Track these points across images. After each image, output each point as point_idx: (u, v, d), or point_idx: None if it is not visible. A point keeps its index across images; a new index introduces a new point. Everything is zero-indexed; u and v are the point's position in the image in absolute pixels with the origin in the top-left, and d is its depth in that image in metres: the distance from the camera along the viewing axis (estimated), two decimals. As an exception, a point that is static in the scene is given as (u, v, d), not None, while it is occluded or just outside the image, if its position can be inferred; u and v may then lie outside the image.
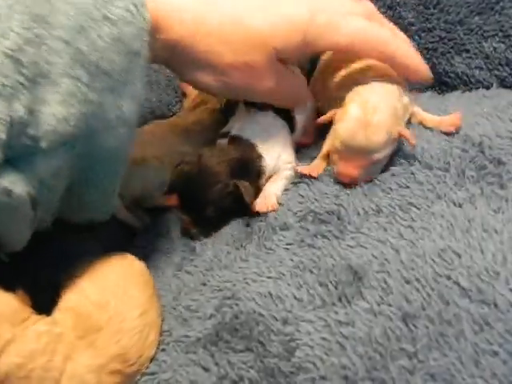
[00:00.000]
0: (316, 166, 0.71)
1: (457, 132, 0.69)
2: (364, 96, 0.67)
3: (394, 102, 0.67)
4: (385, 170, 0.68)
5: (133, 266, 0.63)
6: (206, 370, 0.53)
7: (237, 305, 0.57)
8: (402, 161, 0.68)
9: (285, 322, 0.54)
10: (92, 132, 0.55)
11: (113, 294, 0.58)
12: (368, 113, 0.64)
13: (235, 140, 0.73)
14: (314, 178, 0.70)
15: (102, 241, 0.75)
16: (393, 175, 0.67)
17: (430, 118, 0.74)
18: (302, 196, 0.70)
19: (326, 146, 0.71)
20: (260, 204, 0.69)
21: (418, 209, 0.61)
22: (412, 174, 0.66)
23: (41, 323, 0.55)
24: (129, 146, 0.61)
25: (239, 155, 0.71)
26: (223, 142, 0.74)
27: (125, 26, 0.54)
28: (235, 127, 0.75)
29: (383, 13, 0.89)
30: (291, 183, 0.73)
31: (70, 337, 0.55)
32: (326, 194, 0.68)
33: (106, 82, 0.54)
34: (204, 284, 0.64)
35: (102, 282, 0.60)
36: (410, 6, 0.93)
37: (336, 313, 0.53)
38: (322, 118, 0.69)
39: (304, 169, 0.71)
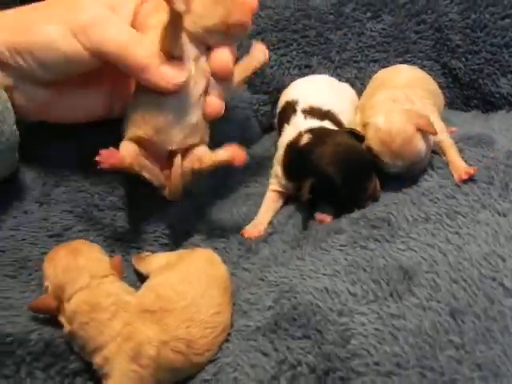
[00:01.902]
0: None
1: (502, 149, 0.74)
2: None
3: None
4: (432, 182, 0.73)
5: (219, 269, 0.67)
6: (265, 355, 0.57)
7: (295, 297, 0.61)
8: (450, 175, 0.74)
9: (340, 313, 0.58)
10: None
11: (194, 287, 0.62)
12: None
13: None
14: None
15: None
16: (440, 187, 0.72)
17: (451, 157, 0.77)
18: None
19: None
20: (320, 217, 0.77)
21: (464, 217, 0.66)
22: (458, 186, 0.71)
23: (115, 286, 0.62)
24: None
25: None
26: None
27: None
28: None
29: (431, 35, 0.95)
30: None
31: (139, 310, 0.60)
32: (376, 203, 0.74)
33: None
34: (262, 279, 0.68)
35: (188, 274, 0.64)
36: (457, 29, 0.98)
37: (388, 306, 0.57)
38: None
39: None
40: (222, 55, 0.66)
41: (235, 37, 0.67)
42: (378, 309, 0.57)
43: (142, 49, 0.63)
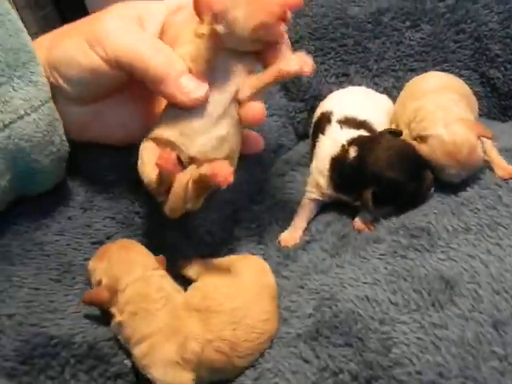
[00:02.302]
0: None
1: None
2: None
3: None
4: (472, 192, 0.74)
5: (269, 277, 0.68)
6: (306, 361, 0.58)
7: (336, 305, 0.62)
8: (490, 185, 0.74)
9: (382, 322, 0.58)
10: (5, 124, 0.62)
11: (244, 292, 0.64)
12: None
13: None
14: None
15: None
16: (480, 197, 0.72)
17: (494, 157, 0.79)
18: (391, 214, 0.76)
19: None
20: (358, 225, 0.77)
21: (506, 228, 0.66)
22: (499, 197, 0.72)
23: (165, 280, 0.64)
24: (48, 133, 0.65)
25: None
26: None
27: None
28: None
29: (470, 44, 0.95)
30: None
31: (186, 308, 0.62)
32: (414, 213, 0.74)
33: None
34: (301, 287, 0.69)
35: (238, 279, 0.66)
36: (496, 39, 0.98)
37: (430, 316, 0.57)
38: None
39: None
40: (255, 107, 0.62)
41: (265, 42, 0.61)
42: (420, 318, 0.58)
43: (160, 59, 0.60)
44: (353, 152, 0.78)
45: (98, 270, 0.64)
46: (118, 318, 0.62)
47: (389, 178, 0.74)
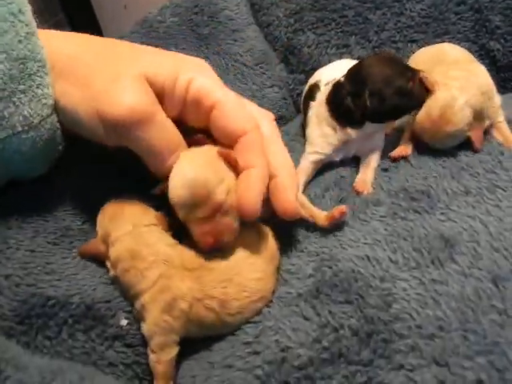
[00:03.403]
0: (402, 150, 0.79)
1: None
2: None
3: None
4: (473, 158, 0.74)
5: (268, 240, 0.66)
6: (307, 319, 0.58)
7: (336, 265, 0.62)
8: (491, 151, 0.74)
9: (382, 279, 0.58)
10: (0, 140, 0.57)
11: (238, 251, 0.63)
12: None
13: None
14: (407, 156, 0.77)
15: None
16: (481, 162, 0.72)
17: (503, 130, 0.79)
18: (391, 178, 0.76)
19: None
20: (360, 185, 0.76)
21: (505, 191, 0.66)
22: (499, 162, 0.71)
23: (156, 236, 0.64)
24: (46, 146, 0.62)
25: None
26: None
27: (2, 36, 0.55)
28: None
29: (470, 16, 0.95)
30: (381, 170, 0.79)
31: (177, 265, 0.61)
32: (414, 176, 0.74)
33: (0, 93, 0.56)
34: (301, 251, 0.69)
35: (235, 240, 0.64)
36: (497, 10, 0.97)
37: (430, 273, 0.57)
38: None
39: (393, 154, 0.79)
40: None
41: None
42: (420, 275, 0.57)
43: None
44: (341, 78, 0.78)
45: (97, 223, 0.66)
46: (111, 272, 0.63)
47: (377, 73, 0.74)
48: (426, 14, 1.00)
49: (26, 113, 0.58)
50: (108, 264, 0.63)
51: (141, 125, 0.57)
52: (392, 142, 0.82)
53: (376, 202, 0.71)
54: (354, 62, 0.88)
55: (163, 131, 0.59)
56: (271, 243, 0.66)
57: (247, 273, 0.62)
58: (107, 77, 0.58)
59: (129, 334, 0.63)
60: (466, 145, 0.76)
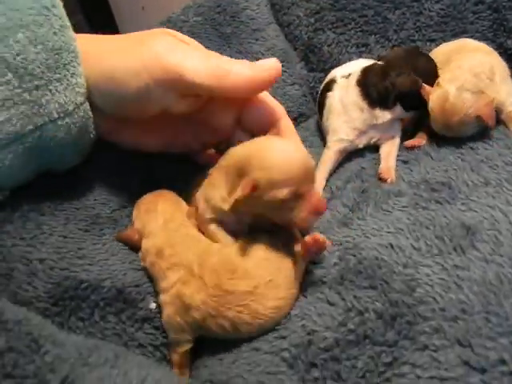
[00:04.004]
0: (417, 140, 0.83)
1: None
2: None
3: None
4: (492, 151, 0.76)
5: (296, 261, 0.64)
6: (332, 304, 0.60)
7: (360, 254, 0.63)
8: (510, 145, 0.76)
9: (405, 266, 0.60)
10: (37, 126, 0.60)
11: (262, 272, 0.61)
12: None
13: None
14: (421, 145, 0.81)
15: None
16: (499, 155, 0.75)
17: None
18: (412, 170, 0.78)
19: None
20: (385, 172, 0.79)
21: (524, 182, 0.68)
22: (517, 154, 0.73)
23: (181, 238, 0.66)
24: (79, 133, 0.64)
25: None
26: None
27: (38, 28, 0.58)
28: None
29: (488, 15, 0.96)
30: (401, 162, 0.81)
31: (196, 275, 0.62)
32: (435, 168, 0.76)
33: (36, 81, 0.58)
34: (325, 241, 0.70)
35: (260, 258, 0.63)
36: (515, 10, 0.99)
37: (452, 259, 0.59)
38: None
39: (406, 143, 0.83)
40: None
41: None
42: (443, 261, 0.59)
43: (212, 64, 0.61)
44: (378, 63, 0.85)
45: (134, 215, 0.69)
46: (142, 263, 0.66)
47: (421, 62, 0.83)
48: (445, 14, 1.02)
49: (61, 100, 0.60)
50: (140, 254, 0.66)
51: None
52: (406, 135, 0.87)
53: (398, 192, 0.73)
54: (367, 61, 0.91)
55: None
56: (299, 265, 0.63)
57: (266, 301, 0.60)
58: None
59: (157, 317, 0.65)
60: (484, 138, 0.79)
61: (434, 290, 0.56)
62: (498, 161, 0.73)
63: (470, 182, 0.70)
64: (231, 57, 0.63)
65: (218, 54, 0.63)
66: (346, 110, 0.85)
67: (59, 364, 0.48)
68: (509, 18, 0.98)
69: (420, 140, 0.83)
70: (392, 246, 0.63)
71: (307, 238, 0.60)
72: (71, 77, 0.61)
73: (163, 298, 0.63)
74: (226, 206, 0.60)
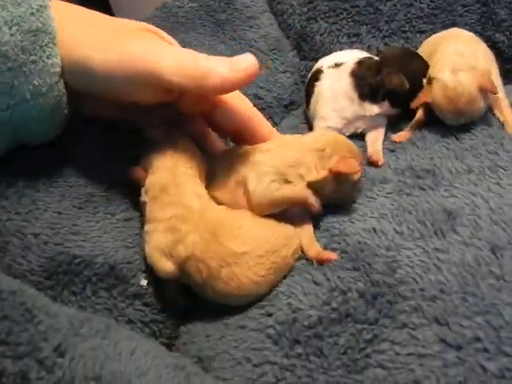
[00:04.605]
0: (402, 136, 0.85)
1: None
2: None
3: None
4: (476, 140, 0.78)
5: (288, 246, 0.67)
6: (317, 284, 0.62)
7: (344, 240, 0.66)
8: (494, 135, 0.78)
9: (387, 248, 0.62)
10: (8, 106, 0.58)
11: (256, 243, 0.64)
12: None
13: None
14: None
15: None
16: (484, 144, 0.77)
17: (507, 114, 0.83)
18: (398, 158, 0.80)
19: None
20: (375, 155, 0.82)
21: (505, 170, 0.70)
22: (501, 144, 0.76)
23: (187, 180, 0.67)
24: (52, 111, 0.63)
25: None
26: None
27: (15, 8, 0.56)
28: None
29: (477, 9, 0.98)
30: (388, 150, 0.83)
31: (195, 218, 0.64)
32: (420, 156, 0.78)
33: (10, 63, 0.56)
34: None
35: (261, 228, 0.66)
36: (503, 4, 1.01)
37: (433, 243, 0.61)
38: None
39: (394, 138, 0.85)
40: None
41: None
42: (424, 244, 0.61)
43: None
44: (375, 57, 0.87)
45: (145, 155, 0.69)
46: (142, 197, 0.67)
47: (414, 63, 0.85)
48: (435, 6, 1.04)
49: (35, 82, 0.58)
50: (142, 189, 0.67)
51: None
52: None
53: (383, 179, 0.75)
54: (351, 52, 0.93)
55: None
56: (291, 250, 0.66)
57: (247, 271, 0.62)
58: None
59: (148, 293, 0.67)
60: (469, 129, 0.81)
61: (414, 271, 0.58)
62: (482, 149, 0.75)
63: (453, 169, 0.72)
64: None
65: (195, 52, 0.62)
66: (336, 99, 0.86)
67: (52, 333, 0.49)
68: (497, 12, 1.00)
69: (406, 135, 0.84)
70: (375, 230, 0.65)
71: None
72: (47, 58, 0.58)
73: (153, 226, 0.64)
74: (316, 177, 0.67)
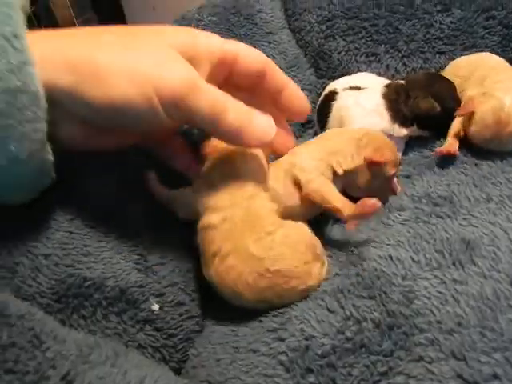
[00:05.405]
0: (452, 145, 0.82)
1: None
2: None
3: None
4: (495, 168, 0.77)
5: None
6: (331, 312, 0.61)
7: (360, 264, 0.65)
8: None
9: (404, 277, 0.61)
10: None
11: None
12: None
13: None
14: (455, 155, 0.82)
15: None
16: (503, 172, 0.75)
17: None
18: (415, 184, 0.79)
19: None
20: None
21: (526, 200, 0.69)
22: (520, 172, 0.74)
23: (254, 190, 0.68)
24: (36, 178, 0.59)
25: None
26: None
27: None
28: None
29: (499, 31, 0.98)
30: (404, 177, 0.83)
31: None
32: (438, 183, 0.77)
33: None
34: (329, 256, 0.71)
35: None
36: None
37: (450, 273, 0.60)
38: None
39: (441, 149, 0.83)
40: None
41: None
42: (441, 275, 0.60)
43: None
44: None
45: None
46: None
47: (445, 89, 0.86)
48: (455, 27, 1.02)
49: (12, 148, 0.51)
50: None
51: (197, 91, 0.58)
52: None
53: (399, 207, 0.74)
54: (370, 74, 0.93)
55: (211, 92, 0.60)
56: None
57: (248, 275, 0.63)
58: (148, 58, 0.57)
59: (159, 318, 0.66)
60: (487, 156, 0.80)
61: (431, 302, 0.57)
62: (501, 177, 0.73)
63: (471, 197, 0.71)
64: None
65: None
66: (368, 114, 0.87)
67: (60, 360, 0.48)
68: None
69: (453, 146, 0.83)
70: (391, 258, 0.64)
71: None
72: (27, 123, 0.51)
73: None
74: (352, 165, 0.72)
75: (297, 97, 0.71)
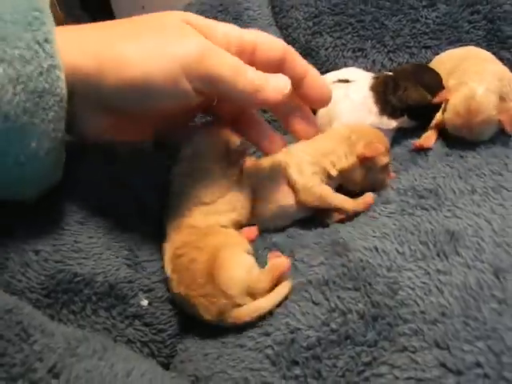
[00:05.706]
0: (428, 138, 0.84)
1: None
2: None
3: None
4: (480, 159, 0.77)
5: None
6: (316, 304, 0.61)
7: (346, 255, 0.65)
8: (498, 154, 0.78)
9: (389, 269, 0.61)
10: (3, 167, 0.55)
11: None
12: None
13: None
14: (430, 148, 0.83)
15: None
16: (488, 164, 0.76)
17: None
18: (400, 178, 0.79)
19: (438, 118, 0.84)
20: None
21: (509, 191, 0.69)
22: (505, 164, 0.75)
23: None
24: (48, 174, 0.61)
25: None
26: None
27: (23, 66, 0.51)
28: None
29: (483, 25, 0.98)
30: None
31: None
32: (423, 176, 0.78)
33: (8, 123, 0.51)
34: (316, 243, 0.72)
35: None
36: (509, 21, 1.01)
37: (435, 264, 0.60)
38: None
39: (416, 143, 0.84)
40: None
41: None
42: (425, 266, 0.60)
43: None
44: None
45: None
46: None
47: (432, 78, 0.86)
48: (441, 22, 1.03)
49: (33, 145, 0.54)
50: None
51: (214, 53, 0.60)
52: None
53: (385, 200, 0.75)
54: (351, 70, 0.94)
55: (228, 54, 0.62)
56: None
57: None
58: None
59: (148, 313, 0.67)
60: (472, 148, 0.81)
61: (415, 293, 0.57)
62: (486, 170, 0.74)
63: (456, 189, 0.71)
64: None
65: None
66: (355, 108, 0.88)
67: (47, 353, 0.48)
68: (503, 29, 1.00)
69: (429, 140, 0.84)
70: (377, 250, 0.64)
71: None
72: (49, 122, 0.54)
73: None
74: (346, 164, 0.74)
75: (318, 84, 0.72)
